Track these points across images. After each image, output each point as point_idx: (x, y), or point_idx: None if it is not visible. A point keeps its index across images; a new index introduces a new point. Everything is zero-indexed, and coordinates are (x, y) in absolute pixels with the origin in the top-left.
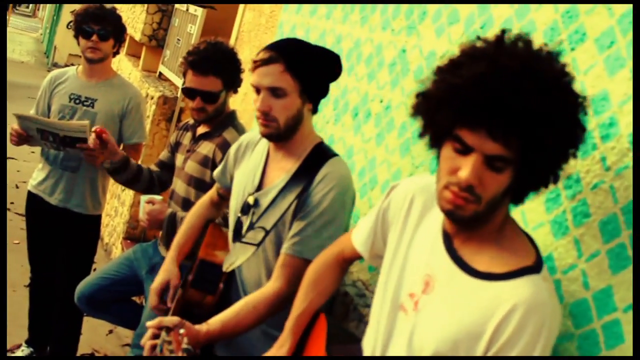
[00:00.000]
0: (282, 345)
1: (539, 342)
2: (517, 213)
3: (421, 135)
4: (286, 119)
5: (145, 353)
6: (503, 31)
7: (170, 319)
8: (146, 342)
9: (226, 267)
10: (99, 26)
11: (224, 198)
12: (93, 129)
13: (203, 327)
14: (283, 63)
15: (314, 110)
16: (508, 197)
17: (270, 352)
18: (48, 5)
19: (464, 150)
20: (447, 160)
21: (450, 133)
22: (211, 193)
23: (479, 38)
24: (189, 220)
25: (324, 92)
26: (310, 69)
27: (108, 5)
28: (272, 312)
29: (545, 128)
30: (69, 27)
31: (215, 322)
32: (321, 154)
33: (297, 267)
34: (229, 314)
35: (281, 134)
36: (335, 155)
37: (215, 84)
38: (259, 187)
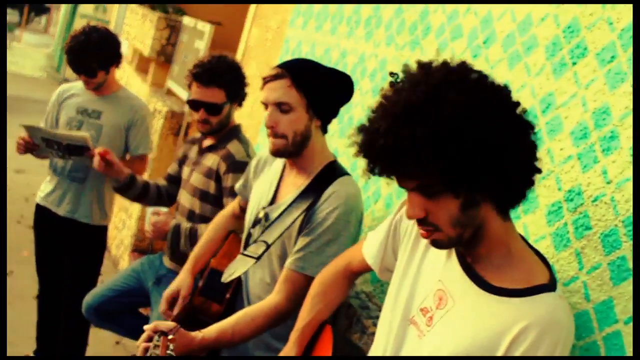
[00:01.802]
0: (286, 355)
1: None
2: (519, 226)
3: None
4: (293, 134)
5: (139, 354)
6: (391, 74)
7: (166, 324)
8: (140, 343)
9: (224, 278)
10: (82, 67)
11: (245, 210)
12: (97, 150)
13: (198, 335)
14: (289, 78)
15: (324, 130)
16: (488, 210)
17: None
18: (60, 21)
19: (404, 189)
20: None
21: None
22: (233, 205)
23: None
24: (209, 232)
25: (333, 111)
26: (316, 84)
27: (99, 27)
28: (270, 325)
29: (428, 149)
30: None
31: (212, 330)
32: (331, 172)
33: (298, 282)
34: (226, 324)
35: (290, 150)
36: (345, 174)
37: (219, 96)
38: (272, 202)
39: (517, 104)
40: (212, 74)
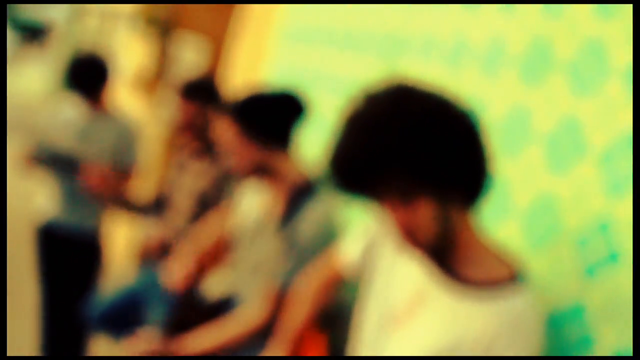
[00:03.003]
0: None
1: (526, 354)
2: (497, 232)
3: None
4: (246, 164)
5: None
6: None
7: (154, 347)
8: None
9: (211, 294)
10: (79, 90)
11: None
12: (91, 170)
13: (184, 348)
14: (228, 118)
15: (283, 150)
16: (454, 210)
17: None
18: (58, 44)
19: (379, 204)
20: (383, 217)
21: None
22: (225, 221)
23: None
24: (204, 242)
25: (282, 133)
26: (250, 115)
27: (94, 52)
28: (251, 339)
29: (398, 153)
30: None
31: (198, 344)
32: (306, 190)
33: (281, 299)
34: (212, 337)
35: (253, 175)
36: (320, 192)
37: (196, 110)
38: (258, 218)
39: (466, 111)
40: (190, 89)
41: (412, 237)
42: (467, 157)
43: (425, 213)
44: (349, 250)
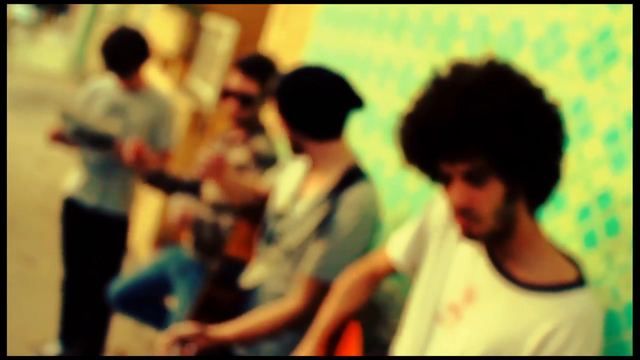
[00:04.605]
0: (304, 349)
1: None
2: (551, 226)
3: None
4: (289, 143)
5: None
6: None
7: (187, 331)
8: (160, 349)
9: (244, 283)
10: (117, 67)
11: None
12: (131, 144)
13: (219, 334)
14: (275, 102)
15: (325, 139)
16: (521, 206)
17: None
18: (81, 20)
19: (446, 180)
20: (445, 197)
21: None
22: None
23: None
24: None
25: (321, 126)
26: (293, 108)
27: (131, 27)
28: (287, 329)
29: (494, 127)
30: None
31: (230, 331)
32: (351, 176)
33: (317, 287)
34: (245, 326)
35: (296, 154)
36: (364, 179)
37: (253, 87)
38: (296, 198)
39: (556, 103)
40: (252, 64)
41: (466, 220)
42: (548, 151)
43: (491, 197)
44: (397, 246)
